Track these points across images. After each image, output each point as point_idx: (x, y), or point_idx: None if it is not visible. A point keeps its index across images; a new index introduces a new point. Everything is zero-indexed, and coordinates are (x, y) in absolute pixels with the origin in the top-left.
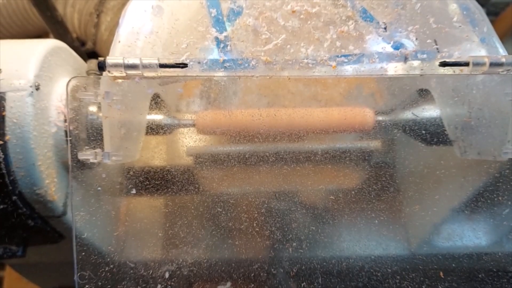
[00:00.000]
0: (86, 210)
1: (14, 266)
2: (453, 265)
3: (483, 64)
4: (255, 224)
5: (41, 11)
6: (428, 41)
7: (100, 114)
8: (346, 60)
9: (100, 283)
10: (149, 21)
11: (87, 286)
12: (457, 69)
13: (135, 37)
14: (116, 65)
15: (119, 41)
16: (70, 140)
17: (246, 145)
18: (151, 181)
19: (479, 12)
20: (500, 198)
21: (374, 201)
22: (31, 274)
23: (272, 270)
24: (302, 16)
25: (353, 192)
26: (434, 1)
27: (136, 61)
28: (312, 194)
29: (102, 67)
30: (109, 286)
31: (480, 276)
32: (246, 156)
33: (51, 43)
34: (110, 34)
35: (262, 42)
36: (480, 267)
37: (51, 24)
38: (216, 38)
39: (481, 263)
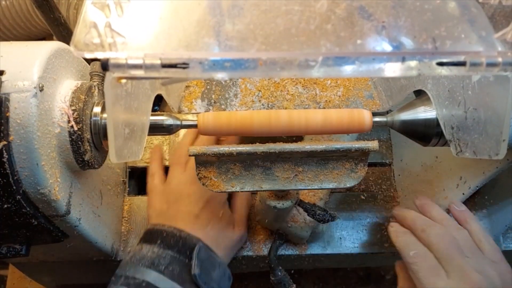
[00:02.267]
0: (89, 209)
1: (18, 265)
2: None
3: (480, 64)
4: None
5: (44, 13)
6: (426, 40)
7: (104, 115)
8: (344, 60)
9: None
10: (151, 21)
11: None
12: (454, 69)
13: (137, 36)
14: (118, 66)
15: (122, 41)
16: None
17: (246, 145)
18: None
19: (478, 11)
20: (496, 197)
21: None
22: (35, 273)
23: None
24: (300, 16)
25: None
26: (433, 0)
27: (138, 61)
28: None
29: (105, 67)
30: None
31: None
32: (246, 156)
33: (54, 45)
34: None
35: (262, 42)
36: None
37: (54, 26)
38: (217, 39)
39: None
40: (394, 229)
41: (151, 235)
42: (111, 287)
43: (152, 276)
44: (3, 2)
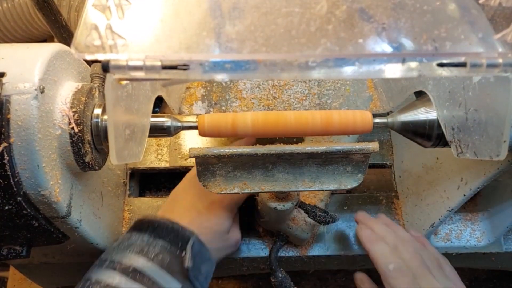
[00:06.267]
0: (90, 211)
1: (18, 266)
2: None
3: (480, 65)
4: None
5: (45, 15)
6: (426, 41)
7: (105, 117)
8: (344, 61)
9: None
10: (152, 23)
11: None
12: (454, 70)
13: (138, 38)
14: (119, 67)
15: (123, 43)
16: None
17: (246, 147)
18: (154, 181)
19: (478, 12)
20: (497, 199)
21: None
22: (35, 274)
23: None
24: (300, 18)
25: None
26: (433, 2)
27: (139, 63)
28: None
29: (106, 69)
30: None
31: (477, 276)
32: (247, 158)
33: (55, 47)
34: None
35: (262, 44)
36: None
37: (55, 28)
38: (218, 40)
39: (480, 263)
40: (366, 234)
41: (142, 224)
42: (94, 270)
43: (140, 262)
44: (4, 4)
